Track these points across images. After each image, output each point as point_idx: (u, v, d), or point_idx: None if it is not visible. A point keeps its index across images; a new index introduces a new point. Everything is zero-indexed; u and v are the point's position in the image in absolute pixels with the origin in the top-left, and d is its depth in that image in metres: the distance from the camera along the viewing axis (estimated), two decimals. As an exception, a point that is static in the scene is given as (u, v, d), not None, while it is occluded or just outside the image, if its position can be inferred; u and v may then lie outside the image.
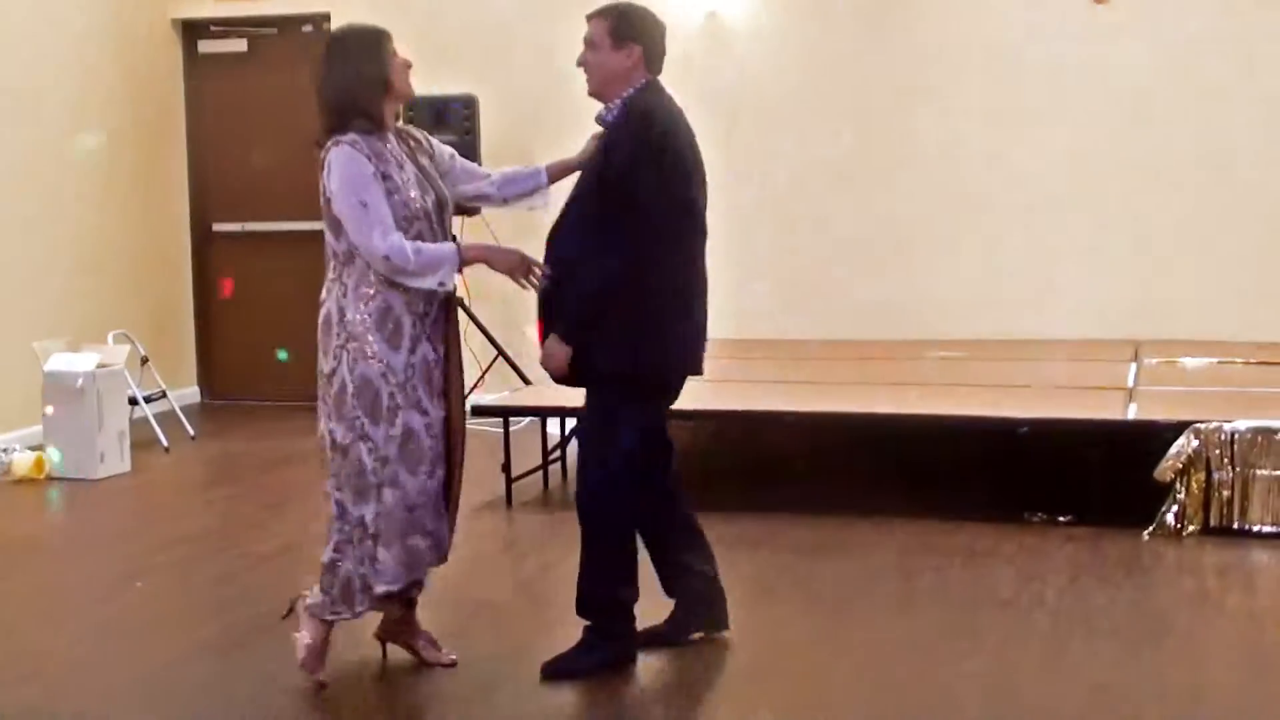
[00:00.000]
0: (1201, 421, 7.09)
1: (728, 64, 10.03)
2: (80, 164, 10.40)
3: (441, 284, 5.08)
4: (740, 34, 10.03)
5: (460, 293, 10.33)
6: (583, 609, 5.44)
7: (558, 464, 8.64)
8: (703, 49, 9.96)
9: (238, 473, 9.17)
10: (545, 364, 5.26)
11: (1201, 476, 7.06)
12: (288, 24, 11.34)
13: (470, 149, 10.33)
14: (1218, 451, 7.04)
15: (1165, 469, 7.08)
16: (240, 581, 6.71)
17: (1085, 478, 7.42)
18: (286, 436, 10.15)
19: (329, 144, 5.17)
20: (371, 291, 5.10)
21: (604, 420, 5.33)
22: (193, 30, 11.51)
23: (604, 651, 5.41)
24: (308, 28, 11.29)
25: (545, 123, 10.53)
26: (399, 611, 5.49)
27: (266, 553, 7.19)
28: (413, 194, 5.13)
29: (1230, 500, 7.05)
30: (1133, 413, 7.43)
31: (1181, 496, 7.08)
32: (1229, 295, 9.54)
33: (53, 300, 10.05)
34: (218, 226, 11.62)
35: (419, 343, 5.14)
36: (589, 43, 5.32)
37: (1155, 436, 7.17)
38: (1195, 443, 7.05)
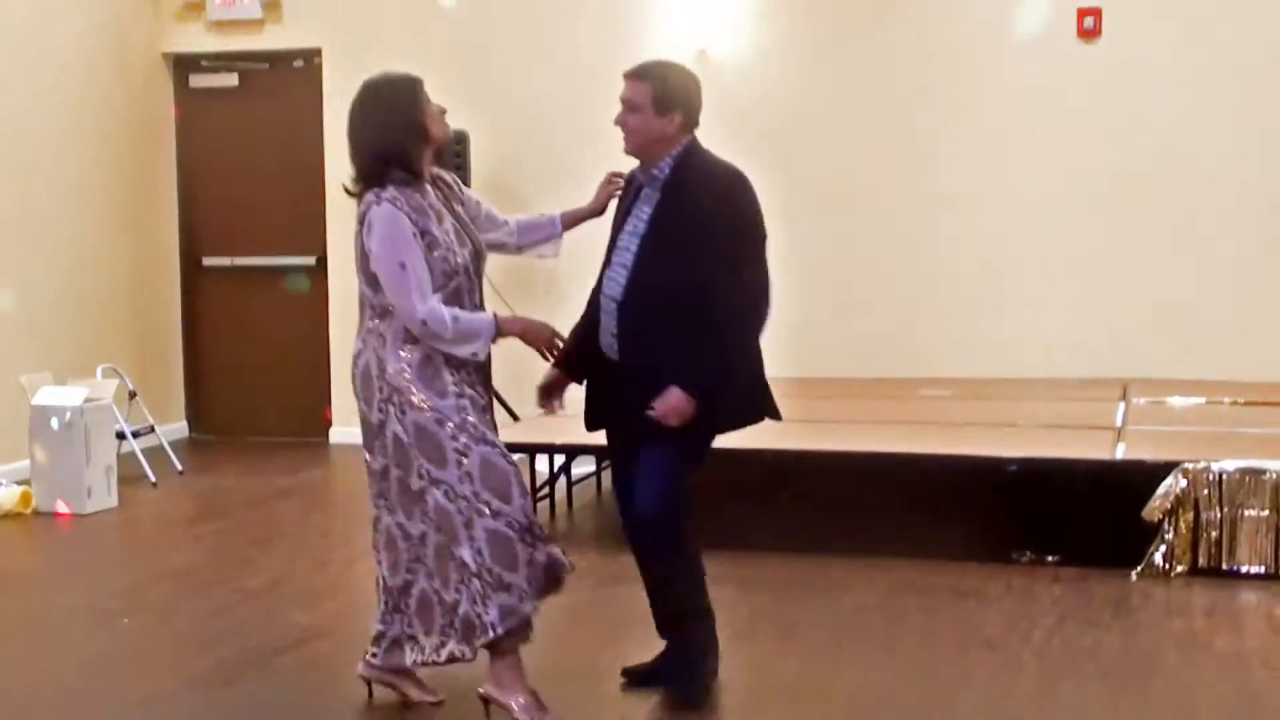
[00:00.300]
0: (1190, 461, 7.10)
1: (718, 101, 10.04)
2: (69, 197, 10.41)
3: (475, 354, 5.07)
4: (730, 71, 10.05)
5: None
6: (672, 625, 5.55)
7: (547, 500, 8.63)
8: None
9: (226, 508, 9.15)
10: (666, 419, 5.17)
11: (1190, 517, 7.06)
12: (279, 59, 11.36)
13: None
14: (1206, 492, 7.05)
15: (1153, 509, 7.09)
16: (228, 617, 6.70)
17: (1073, 517, 7.42)
18: (274, 472, 10.15)
19: (370, 199, 5.11)
20: (410, 343, 5.10)
21: (668, 469, 5.35)
22: (184, 64, 11.53)
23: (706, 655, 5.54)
24: (299, 63, 11.32)
25: (535, 160, 10.56)
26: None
27: (255, 588, 7.18)
28: (454, 249, 5.12)
29: (1218, 541, 7.06)
30: (1121, 452, 7.44)
31: (1170, 537, 7.09)
32: (1217, 335, 9.56)
33: (41, 334, 10.04)
34: (207, 260, 11.62)
35: (464, 385, 5.13)
36: (630, 105, 5.31)
37: (1143, 476, 7.17)
38: (1183, 483, 7.06)
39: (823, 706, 5.46)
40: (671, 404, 5.16)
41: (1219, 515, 7.05)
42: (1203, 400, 8.76)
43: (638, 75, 5.33)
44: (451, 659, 5.24)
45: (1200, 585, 6.95)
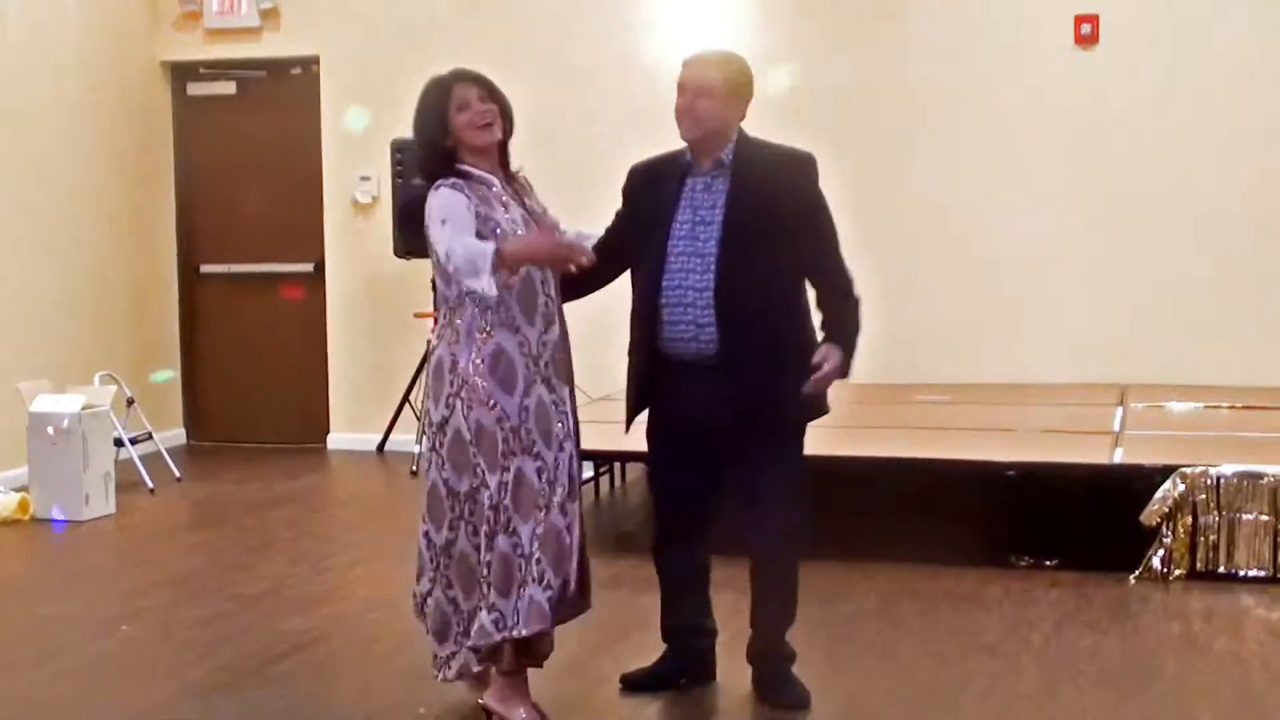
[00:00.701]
0: (1188, 466, 7.10)
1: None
2: (68, 204, 10.41)
3: (484, 290, 4.90)
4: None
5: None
6: (783, 651, 5.54)
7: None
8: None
9: (223, 515, 9.14)
10: (826, 384, 5.24)
11: (1188, 521, 7.06)
12: (277, 67, 11.37)
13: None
14: (1204, 496, 7.05)
15: (1151, 513, 7.09)
16: (226, 623, 6.69)
17: (1071, 522, 7.43)
18: (272, 479, 10.14)
19: (435, 186, 5.19)
20: (483, 336, 5.05)
21: (796, 463, 5.41)
22: (182, 72, 11.54)
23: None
24: (296, 70, 11.32)
25: (531, 164, 10.53)
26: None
27: (252, 595, 7.17)
28: (519, 233, 5.08)
29: (1216, 545, 7.06)
30: (1119, 457, 7.44)
31: (1168, 541, 7.09)
32: (1215, 340, 9.57)
33: (39, 341, 10.04)
34: (205, 268, 11.63)
35: (533, 385, 5.07)
36: (704, 91, 5.22)
37: (1141, 480, 7.18)
38: (1181, 487, 7.06)
39: (821, 712, 5.45)
40: (836, 363, 5.18)
41: (1217, 519, 7.05)
42: (1200, 405, 8.77)
43: (704, 64, 5.28)
44: (461, 674, 5.26)
45: (1198, 589, 6.95)
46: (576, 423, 5.24)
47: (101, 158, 10.81)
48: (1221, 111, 9.56)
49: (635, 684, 5.63)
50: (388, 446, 10.88)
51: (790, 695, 5.45)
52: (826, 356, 5.18)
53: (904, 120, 10.11)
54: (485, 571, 5.05)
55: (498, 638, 5.05)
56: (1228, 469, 7.07)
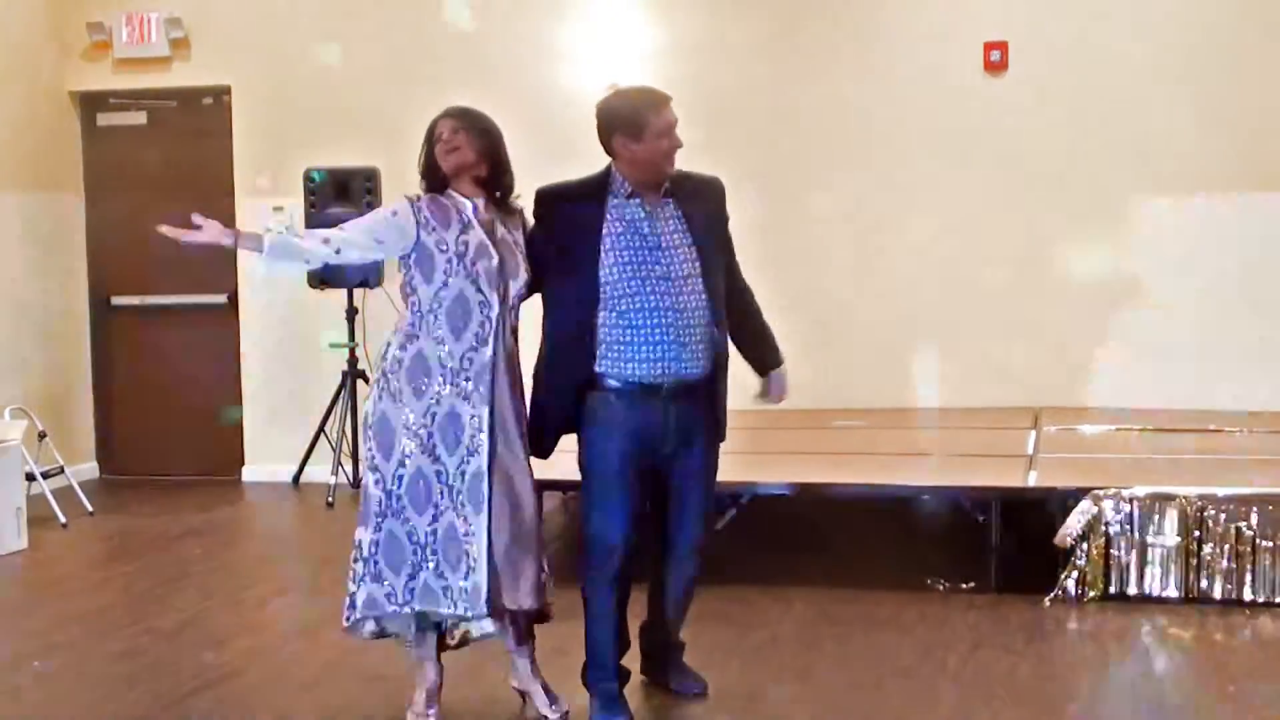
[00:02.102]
0: (1101, 488, 7.16)
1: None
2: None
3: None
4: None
5: (363, 365, 10.34)
6: (681, 641, 5.98)
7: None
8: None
9: (137, 548, 9.05)
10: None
11: (1101, 543, 7.12)
12: (188, 96, 11.29)
13: (372, 221, 10.32)
14: (1117, 518, 7.11)
15: (1065, 535, 7.15)
16: (141, 658, 6.62)
17: (986, 545, 7.46)
18: (186, 511, 10.06)
19: None
20: (412, 335, 5.48)
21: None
22: (91, 102, 11.44)
23: None
24: (208, 100, 11.25)
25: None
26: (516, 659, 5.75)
27: (167, 629, 7.11)
28: (468, 255, 5.42)
29: (1129, 566, 7.12)
30: (1033, 480, 7.50)
31: (1081, 563, 7.14)
32: (1127, 364, 9.65)
33: (-52, 375, 9.92)
34: (117, 300, 11.52)
35: (442, 396, 5.40)
36: (674, 128, 5.45)
37: (1055, 503, 7.24)
38: (1095, 509, 7.12)
39: (740, 737, 5.47)
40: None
41: (1130, 541, 7.11)
42: (1113, 428, 8.85)
43: (669, 101, 5.49)
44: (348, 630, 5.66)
45: (1112, 610, 7.01)
46: (504, 441, 5.43)
47: (9, 188, 10.70)
48: (1130, 137, 9.66)
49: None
50: (303, 478, 10.81)
51: (697, 679, 5.87)
52: (781, 380, 6.08)
53: (817, 143, 10.16)
54: (371, 550, 5.44)
55: (390, 609, 5.46)
56: (1140, 490, 7.13)
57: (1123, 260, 9.70)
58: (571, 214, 5.45)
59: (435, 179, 5.54)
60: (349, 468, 10.48)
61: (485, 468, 5.36)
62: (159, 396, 11.46)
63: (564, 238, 5.43)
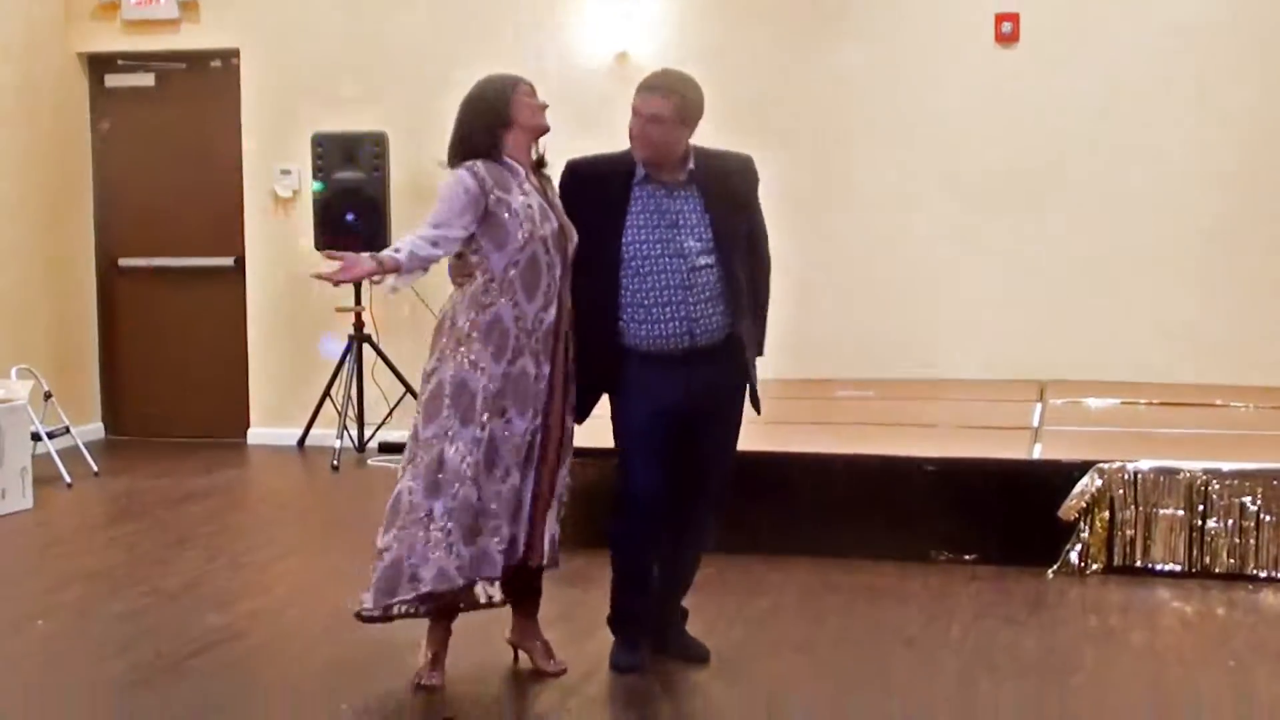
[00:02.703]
0: (1105, 461, 7.16)
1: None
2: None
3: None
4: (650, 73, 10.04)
5: (369, 330, 10.37)
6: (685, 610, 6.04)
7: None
8: (614, 90, 9.97)
9: (142, 509, 9.07)
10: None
11: (1105, 516, 7.12)
12: (196, 59, 11.28)
13: (379, 187, 10.33)
14: (1121, 491, 7.11)
15: (1069, 508, 7.15)
16: (144, 619, 6.63)
17: (990, 517, 7.46)
18: (190, 473, 10.07)
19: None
20: (486, 302, 5.43)
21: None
22: (100, 64, 11.42)
23: None
24: (216, 63, 11.24)
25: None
26: (521, 617, 5.82)
27: (171, 589, 7.12)
28: (535, 221, 5.44)
29: (1133, 539, 7.12)
30: (1038, 452, 7.50)
31: (1085, 535, 7.14)
32: (1133, 337, 9.65)
33: (-46, 335, 9.94)
34: (124, 261, 11.52)
35: (520, 356, 5.43)
36: (656, 119, 5.50)
37: (1060, 476, 7.23)
38: (1099, 482, 7.12)
39: (739, 706, 5.47)
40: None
41: (1134, 514, 7.11)
42: (1118, 401, 8.85)
43: (659, 89, 5.56)
44: (358, 614, 5.58)
45: (1115, 583, 7.01)
46: (567, 394, 5.59)
47: (17, 149, 10.70)
48: (1140, 110, 9.64)
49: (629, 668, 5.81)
50: (308, 442, 10.82)
51: (700, 647, 5.90)
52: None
53: (824, 116, 10.14)
54: (444, 520, 5.37)
55: (460, 582, 5.43)
56: (1145, 464, 7.13)
57: (1131, 233, 9.68)
58: (599, 188, 5.62)
59: (493, 140, 5.51)
60: (354, 431, 10.49)
61: (547, 426, 5.52)
62: (165, 358, 11.47)
63: (592, 210, 5.59)
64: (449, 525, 5.36)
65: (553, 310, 5.47)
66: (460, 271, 5.53)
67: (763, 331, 5.89)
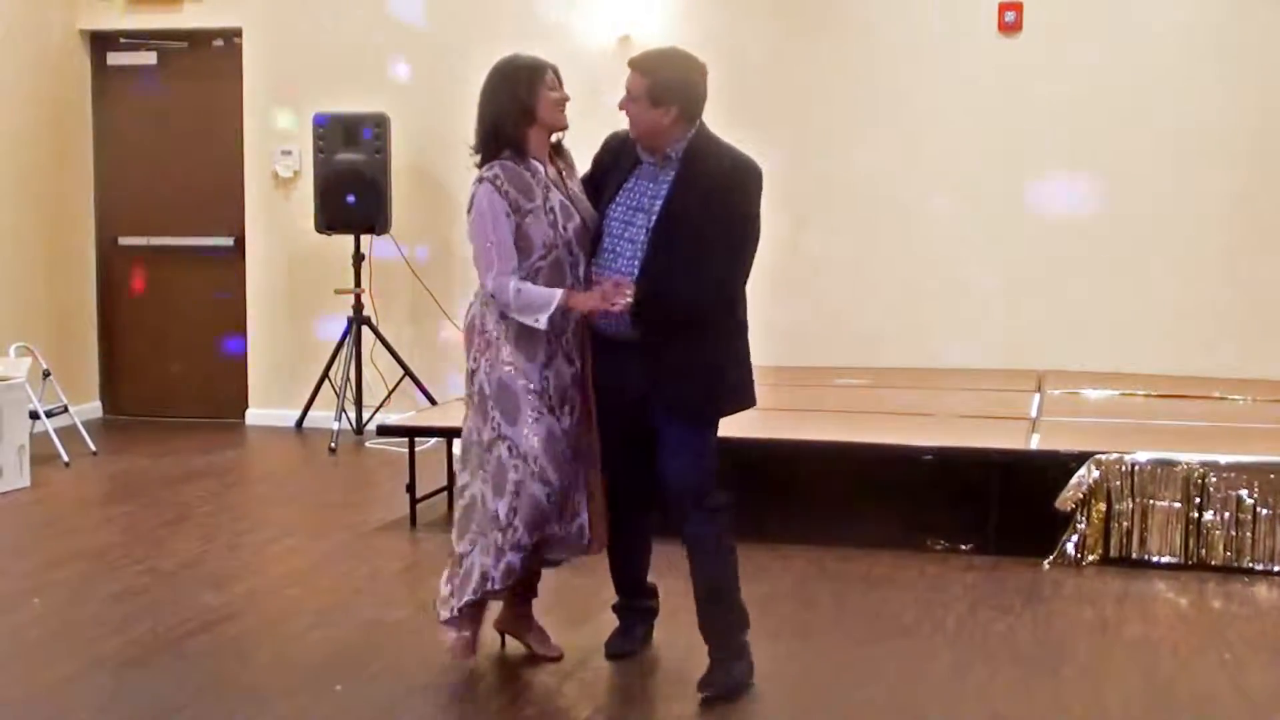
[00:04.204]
0: (1102, 452, 7.17)
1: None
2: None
3: (537, 320, 5.27)
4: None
5: (368, 312, 10.37)
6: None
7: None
8: (616, 74, 9.95)
9: (139, 488, 9.07)
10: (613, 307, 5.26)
11: (1102, 507, 7.13)
12: (198, 38, 11.27)
13: (381, 169, 10.32)
14: (1118, 482, 7.12)
15: (1066, 499, 7.15)
16: (141, 598, 6.64)
17: (987, 506, 7.47)
18: (188, 453, 10.08)
19: (474, 181, 5.41)
20: None
21: (699, 450, 5.49)
22: (102, 41, 11.42)
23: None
24: (218, 42, 11.23)
25: (457, 143, 10.50)
26: (517, 605, 5.79)
27: (167, 570, 7.12)
28: (558, 224, 5.35)
29: (1129, 531, 7.13)
30: (1035, 443, 7.50)
31: (1082, 526, 7.15)
32: (1131, 328, 9.66)
33: (-47, 311, 9.93)
34: (123, 240, 11.51)
35: (554, 357, 5.39)
36: (629, 94, 5.36)
37: (1057, 466, 7.24)
38: (1096, 473, 7.13)
39: (736, 691, 5.47)
40: (622, 287, 5.29)
41: (1130, 506, 7.12)
42: (1116, 392, 8.85)
43: (635, 66, 5.39)
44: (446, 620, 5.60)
45: (1111, 574, 7.02)
46: (590, 394, 5.52)
47: (18, 127, 10.69)
48: (1141, 101, 9.64)
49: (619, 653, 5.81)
50: (306, 423, 10.83)
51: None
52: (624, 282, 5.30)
53: (826, 104, 10.13)
54: (509, 518, 5.35)
55: (521, 574, 5.49)
56: (1142, 456, 7.14)
57: (1132, 224, 9.68)
58: (615, 160, 5.53)
59: (518, 134, 5.37)
60: (352, 414, 10.50)
61: (583, 419, 5.49)
62: (164, 338, 11.47)
63: (606, 181, 5.52)
64: (517, 524, 5.34)
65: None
66: (618, 294, 5.36)
67: (667, 307, 5.29)
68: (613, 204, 5.42)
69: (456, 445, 8.54)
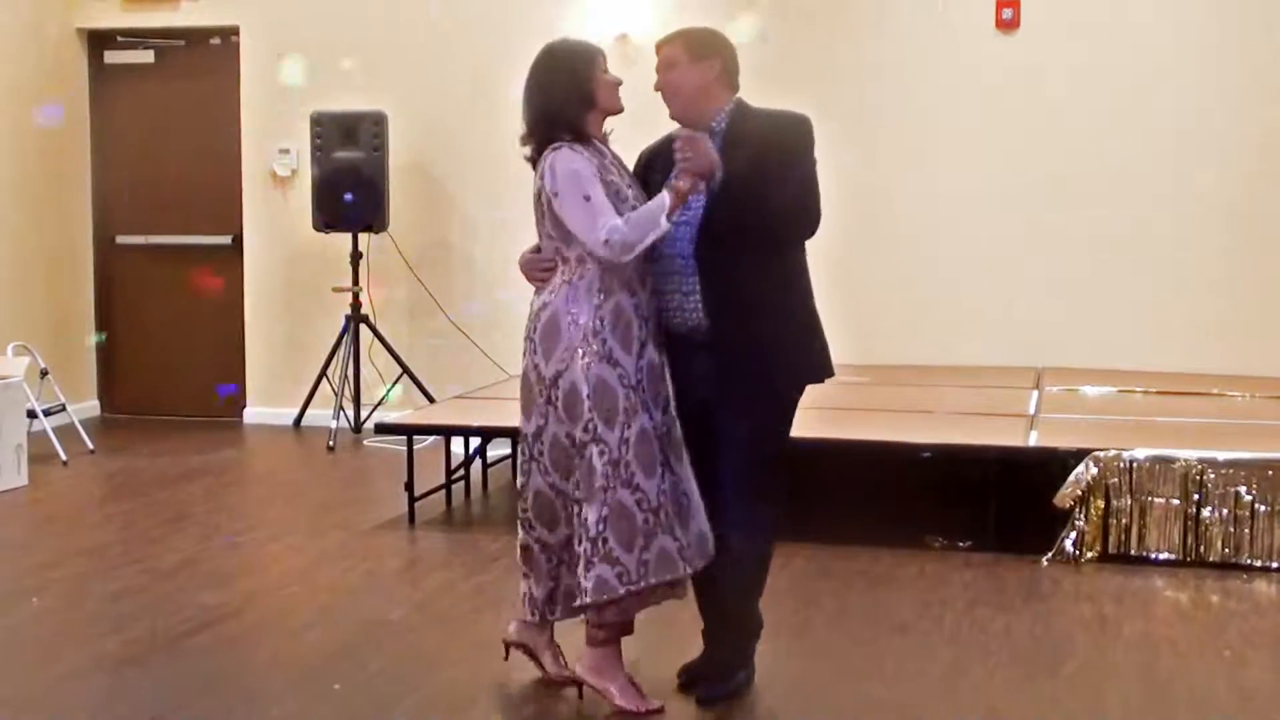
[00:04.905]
0: (1101, 450, 7.17)
1: (641, 86, 10.02)
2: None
3: (659, 225, 4.96)
4: (651, 55, 10.02)
5: (366, 310, 10.36)
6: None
7: (461, 483, 8.61)
8: (615, 71, 9.95)
9: (137, 487, 9.07)
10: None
11: (1100, 504, 7.13)
12: (196, 36, 11.27)
13: (379, 167, 10.31)
14: (1116, 479, 7.12)
15: (1065, 496, 7.15)
16: (139, 597, 6.63)
17: (986, 504, 7.47)
18: (187, 452, 10.07)
19: (548, 151, 5.13)
20: (605, 295, 5.07)
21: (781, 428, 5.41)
22: (99, 40, 11.42)
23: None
24: (215, 40, 11.23)
25: (454, 140, 10.53)
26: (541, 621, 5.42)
27: (166, 569, 7.12)
28: (629, 203, 5.10)
29: (1128, 527, 7.13)
30: (1034, 440, 7.50)
31: (1080, 523, 7.15)
32: (1130, 326, 9.66)
33: (-49, 310, 9.93)
34: (121, 239, 11.51)
35: (646, 346, 5.13)
36: (666, 63, 5.25)
37: (1055, 464, 7.24)
38: (1095, 470, 7.13)
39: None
40: (700, 144, 5.05)
41: (1129, 503, 7.12)
42: (1114, 389, 8.85)
43: (665, 40, 5.31)
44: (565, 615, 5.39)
45: (1110, 571, 7.02)
46: (667, 392, 5.24)
47: (15, 126, 10.68)
48: (1140, 98, 9.64)
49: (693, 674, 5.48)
50: (304, 421, 10.82)
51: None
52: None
53: (822, 102, 10.05)
54: (600, 527, 5.03)
55: (621, 591, 5.05)
56: (1140, 453, 7.13)
57: (1130, 221, 9.69)
58: (655, 162, 5.34)
59: (578, 119, 5.16)
60: (350, 412, 10.49)
61: (675, 413, 5.22)
62: (162, 336, 11.47)
63: (650, 187, 5.26)
64: (605, 534, 5.01)
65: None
66: (540, 266, 5.19)
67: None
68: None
69: (455, 443, 8.60)
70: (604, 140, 5.28)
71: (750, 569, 5.36)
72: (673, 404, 5.21)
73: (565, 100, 5.16)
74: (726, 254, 5.12)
